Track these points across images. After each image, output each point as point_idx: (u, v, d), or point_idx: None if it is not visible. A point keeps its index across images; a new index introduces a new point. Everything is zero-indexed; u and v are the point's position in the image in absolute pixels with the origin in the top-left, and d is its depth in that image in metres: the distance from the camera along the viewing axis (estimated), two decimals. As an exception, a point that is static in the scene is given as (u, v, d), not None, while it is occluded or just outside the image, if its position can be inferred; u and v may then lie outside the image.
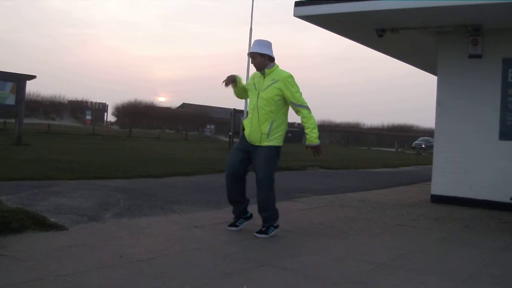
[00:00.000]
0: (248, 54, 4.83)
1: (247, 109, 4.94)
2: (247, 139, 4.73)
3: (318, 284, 3.29)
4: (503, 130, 7.32)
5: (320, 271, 3.58)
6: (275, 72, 4.65)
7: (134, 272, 3.24)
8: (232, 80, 4.73)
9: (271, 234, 4.63)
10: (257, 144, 4.65)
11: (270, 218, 4.69)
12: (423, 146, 45.27)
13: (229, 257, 3.80)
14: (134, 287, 2.98)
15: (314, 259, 3.93)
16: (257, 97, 4.64)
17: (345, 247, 4.44)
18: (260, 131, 4.61)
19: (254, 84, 4.74)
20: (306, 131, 4.69)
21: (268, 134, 4.60)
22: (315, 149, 4.72)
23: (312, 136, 4.67)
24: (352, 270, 3.67)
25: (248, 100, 4.88)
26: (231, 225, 4.87)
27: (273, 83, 4.59)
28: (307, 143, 4.75)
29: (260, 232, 4.63)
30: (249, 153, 4.71)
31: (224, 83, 4.76)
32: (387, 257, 4.09)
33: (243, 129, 4.92)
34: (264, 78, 4.67)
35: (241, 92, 4.90)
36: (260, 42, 4.70)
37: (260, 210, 4.70)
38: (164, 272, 3.27)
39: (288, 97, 4.59)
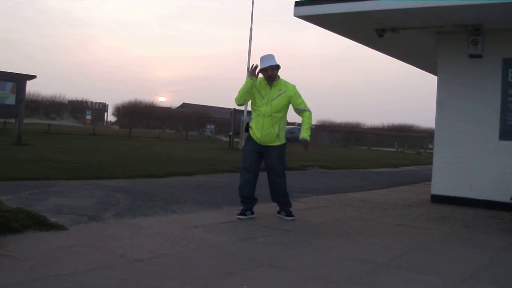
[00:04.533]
0: (269, 67, 5.36)
1: (252, 115, 5.56)
2: (258, 142, 5.47)
3: (318, 284, 3.29)
4: (503, 130, 7.31)
5: (320, 271, 3.58)
6: (281, 83, 5.47)
7: (134, 272, 3.24)
8: (255, 74, 5.36)
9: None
10: (269, 145, 5.47)
11: (289, 201, 5.68)
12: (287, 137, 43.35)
13: (229, 257, 3.81)
14: (134, 287, 2.99)
15: (314, 259, 3.93)
16: (270, 105, 5.40)
17: (345, 247, 4.44)
18: (272, 133, 5.45)
19: (260, 92, 5.42)
20: (305, 127, 5.50)
21: (278, 135, 5.47)
22: (307, 143, 5.48)
23: (308, 133, 5.50)
24: (352, 270, 3.67)
25: (249, 103, 5.61)
26: (240, 214, 5.49)
27: (282, 93, 5.42)
28: (302, 137, 5.47)
29: (290, 215, 5.59)
30: (261, 153, 5.53)
31: (253, 69, 5.38)
32: (387, 257, 4.09)
33: (247, 129, 5.58)
34: (270, 88, 5.43)
35: (250, 90, 5.44)
36: (273, 57, 5.41)
37: (281, 196, 5.63)
38: (164, 272, 3.27)
39: (296, 104, 5.49)
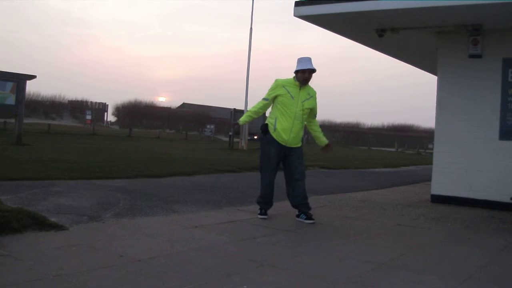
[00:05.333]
0: (307, 70, 5.40)
1: (278, 116, 5.44)
2: (284, 143, 5.43)
3: (318, 284, 3.29)
4: (503, 130, 7.31)
5: (320, 271, 3.58)
6: (309, 87, 5.53)
7: (134, 272, 3.24)
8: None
9: None
10: (293, 146, 5.47)
11: (309, 203, 5.56)
12: None
13: (229, 257, 3.81)
14: (134, 287, 2.99)
15: (314, 259, 3.93)
16: (301, 106, 5.43)
17: (345, 247, 4.44)
18: (300, 135, 5.51)
19: (289, 93, 5.40)
20: (320, 135, 5.78)
21: (301, 137, 5.60)
22: (329, 147, 5.84)
23: (324, 138, 5.81)
24: (352, 270, 3.67)
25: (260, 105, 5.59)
26: (263, 214, 5.56)
27: (310, 97, 5.49)
28: (322, 144, 5.80)
29: (311, 218, 5.44)
30: (283, 156, 5.49)
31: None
32: (387, 257, 4.09)
33: (265, 132, 5.47)
34: (299, 90, 5.43)
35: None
36: (311, 60, 5.43)
37: (303, 199, 5.51)
38: (164, 272, 3.27)
39: (314, 110, 5.62)
